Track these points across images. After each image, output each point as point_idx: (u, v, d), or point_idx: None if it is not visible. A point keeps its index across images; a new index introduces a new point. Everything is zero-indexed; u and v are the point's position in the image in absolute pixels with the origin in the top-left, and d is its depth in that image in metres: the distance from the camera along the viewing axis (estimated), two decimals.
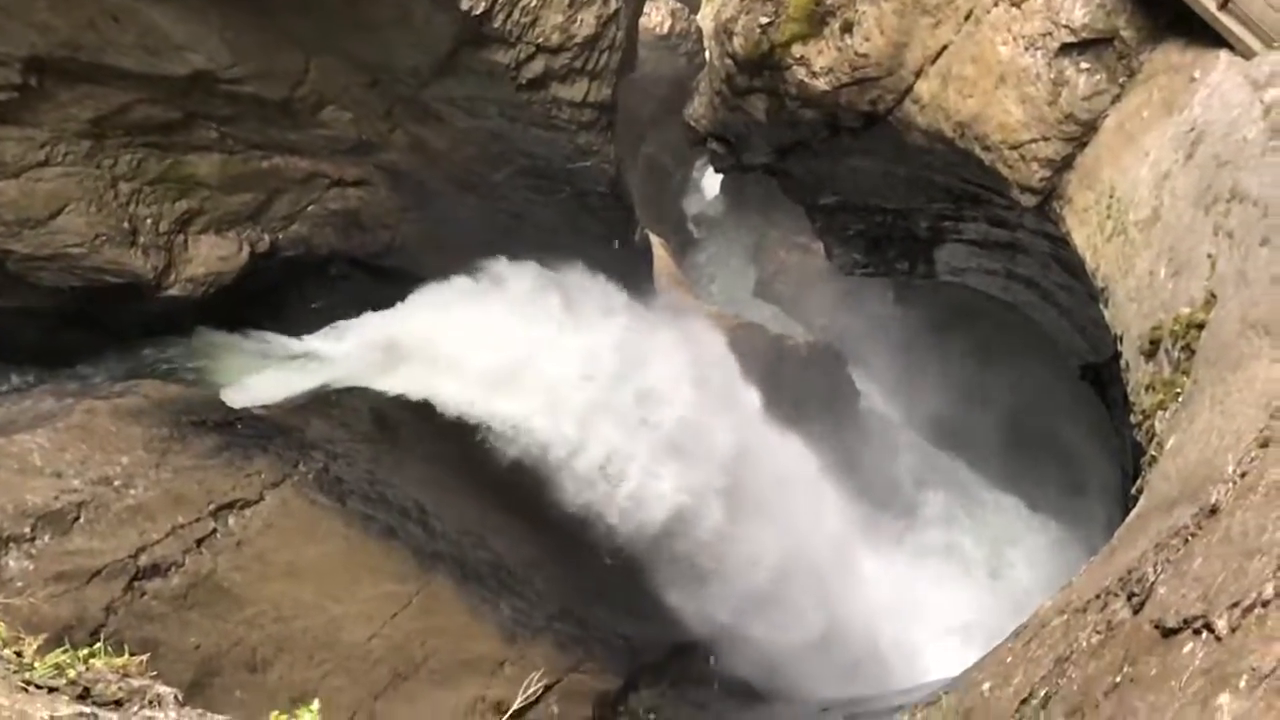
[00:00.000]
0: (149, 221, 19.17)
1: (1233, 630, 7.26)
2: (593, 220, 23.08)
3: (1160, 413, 13.23)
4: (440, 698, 18.70)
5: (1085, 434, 28.75)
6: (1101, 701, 8.25)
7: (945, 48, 19.28)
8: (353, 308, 22.19)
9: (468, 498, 22.18)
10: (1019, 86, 18.11)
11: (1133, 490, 13.74)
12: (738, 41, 22.21)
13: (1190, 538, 9.17)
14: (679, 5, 41.29)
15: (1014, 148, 18.43)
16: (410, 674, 18.71)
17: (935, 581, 31.38)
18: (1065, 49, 17.58)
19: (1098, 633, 9.33)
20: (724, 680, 23.72)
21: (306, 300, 22.04)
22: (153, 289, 19.48)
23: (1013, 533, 32.81)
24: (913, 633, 28.62)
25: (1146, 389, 14.23)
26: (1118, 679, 8.28)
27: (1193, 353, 12.85)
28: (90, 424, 17.76)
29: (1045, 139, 18.00)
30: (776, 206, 35.86)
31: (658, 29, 39.78)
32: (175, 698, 3.22)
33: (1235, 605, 7.41)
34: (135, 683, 3.22)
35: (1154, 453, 12.78)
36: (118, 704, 3.09)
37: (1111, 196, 16.84)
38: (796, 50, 21.15)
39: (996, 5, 18.36)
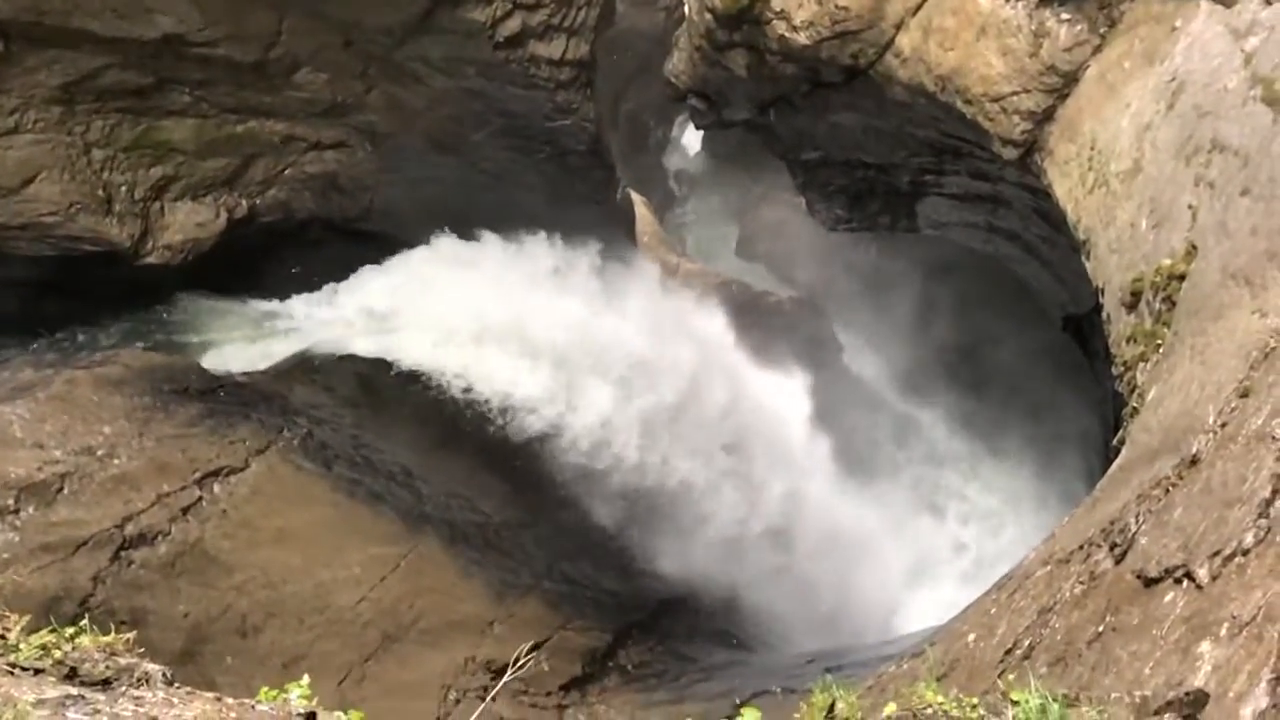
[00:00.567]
0: (124, 189, 18.93)
1: (1213, 579, 7.36)
2: (574, 180, 22.92)
3: (1141, 364, 13.31)
4: (431, 658, 18.82)
5: (1066, 385, 28.93)
6: (1085, 651, 8.36)
7: (926, 0, 19.12)
8: (333, 272, 22.05)
9: (455, 460, 22.18)
10: (1000, 38, 18.00)
11: (1114, 441, 13.85)
12: None
13: (1171, 488, 9.27)
14: None
15: (995, 100, 18.34)
16: (400, 636, 18.81)
17: (915, 532, 31.69)
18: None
19: (1080, 583, 9.44)
20: (710, 634, 23.96)
21: (286, 265, 21.86)
22: (130, 257, 19.28)
23: (993, 483, 33.07)
24: (892, 583, 28.93)
25: (1128, 340, 14.30)
26: (1100, 628, 8.39)
27: (1173, 304, 12.90)
28: (71, 394, 17.64)
29: (1026, 91, 17.92)
30: (758, 163, 35.67)
31: None
32: (163, 674, 3.22)
33: (1216, 554, 7.50)
34: (122, 661, 3.21)
35: (1135, 404, 12.87)
36: (105, 683, 3.09)
37: (1093, 148, 16.81)
38: (776, 4, 20.93)
39: None
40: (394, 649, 18.65)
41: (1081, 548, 10.15)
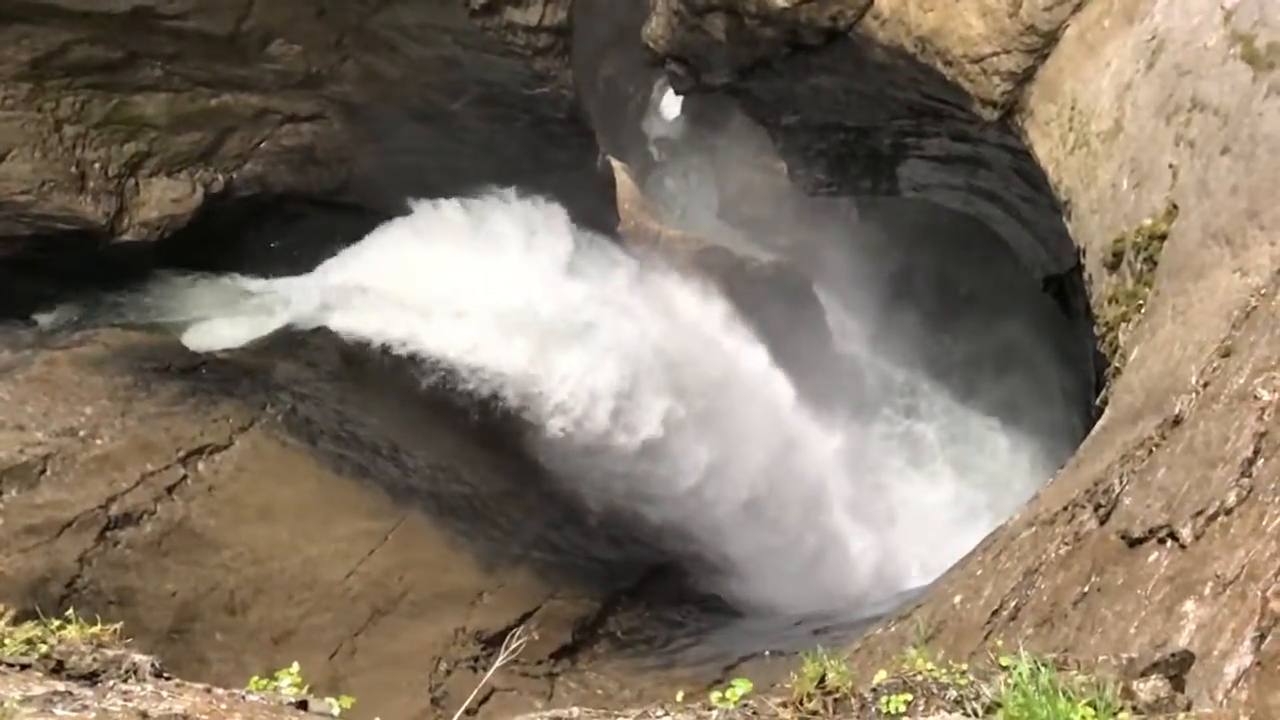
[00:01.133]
0: (97, 166, 18.69)
1: (1196, 538, 7.42)
2: (553, 148, 22.75)
3: (1123, 324, 13.34)
4: (421, 630, 18.90)
5: (1046, 344, 29.10)
6: (1070, 611, 8.45)
7: None
8: (313, 245, 21.86)
9: (440, 432, 22.16)
10: None
11: (1096, 401, 13.92)
12: None
13: (1154, 448, 9.33)
14: None
15: (975, 61, 18.23)
16: (390, 609, 18.88)
17: (900, 493, 31.97)
18: None
19: (1065, 544, 9.52)
20: (698, 598, 24.12)
21: (265, 240, 21.67)
22: (106, 235, 19.07)
23: (978, 442, 33.34)
24: (879, 543, 29.19)
25: (1109, 301, 14.33)
26: (1085, 589, 8.47)
27: (1155, 264, 12.92)
28: (51, 375, 17.51)
29: (1006, 51, 17.80)
30: (739, 128, 35.48)
31: None
32: (151, 665, 3.20)
33: (1199, 514, 7.57)
34: (110, 652, 3.19)
35: (1117, 364, 12.92)
36: (93, 676, 3.07)
37: (1073, 108, 16.75)
38: None
39: None
40: (384, 622, 18.72)
41: (1066, 509, 10.23)
